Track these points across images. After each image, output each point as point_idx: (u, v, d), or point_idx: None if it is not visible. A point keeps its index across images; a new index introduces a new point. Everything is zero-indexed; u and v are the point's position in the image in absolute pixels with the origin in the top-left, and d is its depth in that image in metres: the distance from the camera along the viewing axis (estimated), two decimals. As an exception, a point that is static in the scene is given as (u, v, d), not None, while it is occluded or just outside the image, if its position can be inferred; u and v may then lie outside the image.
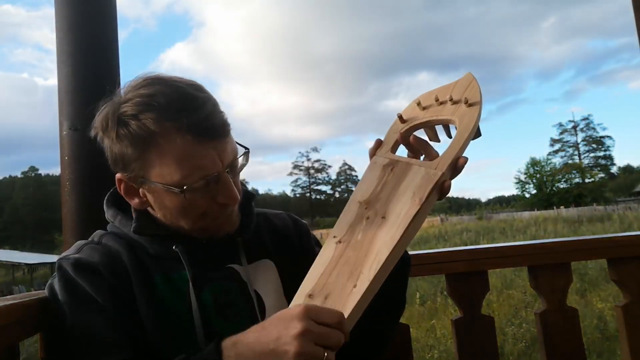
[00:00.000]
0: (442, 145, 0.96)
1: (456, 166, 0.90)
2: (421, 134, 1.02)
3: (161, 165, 0.84)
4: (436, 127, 1.02)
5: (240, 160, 0.93)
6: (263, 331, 0.71)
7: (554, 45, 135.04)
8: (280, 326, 0.69)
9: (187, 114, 0.83)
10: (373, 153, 0.99)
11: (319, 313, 0.70)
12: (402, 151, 1.01)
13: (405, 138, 0.97)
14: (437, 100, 0.99)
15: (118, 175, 0.91)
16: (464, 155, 0.91)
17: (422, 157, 0.97)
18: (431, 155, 0.94)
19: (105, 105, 0.89)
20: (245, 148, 0.93)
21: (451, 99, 0.97)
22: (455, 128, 0.95)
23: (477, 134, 0.96)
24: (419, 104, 1.02)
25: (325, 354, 0.68)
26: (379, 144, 1.00)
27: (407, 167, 0.92)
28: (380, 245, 0.84)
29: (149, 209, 0.95)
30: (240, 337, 0.72)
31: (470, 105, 0.94)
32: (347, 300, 0.79)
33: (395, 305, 1.05)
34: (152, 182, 0.87)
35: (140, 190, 0.91)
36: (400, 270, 0.93)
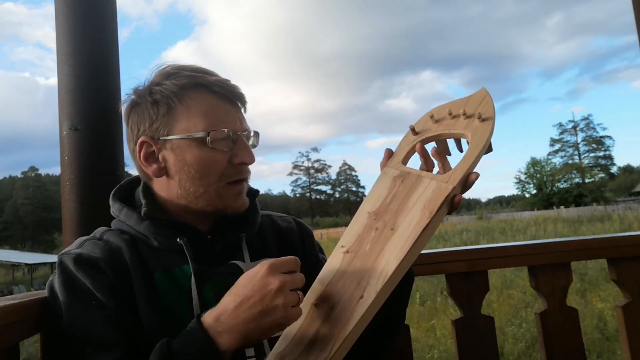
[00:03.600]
0: (452, 159, 0.96)
1: (467, 181, 0.90)
2: (432, 146, 1.01)
3: (188, 118, 0.92)
4: (447, 140, 1.01)
5: (252, 140, 1.00)
6: (241, 298, 0.74)
7: (558, 43, 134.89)
8: (258, 287, 0.74)
9: (213, 76, 0.95)
10: (384, 164, 1.00)
11: (282, 264, 0.76)
12: (413, 163, 1.00)
13: (424, 150, 0.97)
14: (450, 113, 0.99)
15: (141, 138, 0.94)
16: (475, 170, 0.91)
17: (433, 171, 0.97)
18: (446, 168, 0.93)
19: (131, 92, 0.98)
20: (257, 132, 1.02)
21: (464, 113, 0.96)
22: (467, 142, 0.95)
23: (488, 149, 0.96)
24: (432, 116, 1.01)
25: (300, 295, 0.77)
26: (389, 154, 1.00)
27: (417, 180, 0.92)
28: (389, 257, 0.83)
29: (157, 190, 0.97)
30: (219, 310, 0.75)
31: (484, 120, 0.94)
32: (354, 311, 0.79)
33: (394, 320, 1.05)
34: (176, 137, 0.92)
35: (160, 154, 0.94)
36: (403, 285, 0.94)
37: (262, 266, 0.76)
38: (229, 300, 0.75)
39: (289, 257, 0.79)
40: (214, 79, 0.94)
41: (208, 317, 0.75)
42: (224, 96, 0.94)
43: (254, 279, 0.75)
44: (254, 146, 1.01)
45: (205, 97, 0.93)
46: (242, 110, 0.99)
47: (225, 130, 0.92)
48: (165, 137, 0.93)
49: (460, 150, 0.99)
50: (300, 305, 0.77)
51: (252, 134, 1.00)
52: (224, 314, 0.74)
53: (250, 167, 1.00)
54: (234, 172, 0.94)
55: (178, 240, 0.92)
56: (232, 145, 0.93)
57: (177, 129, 0.92)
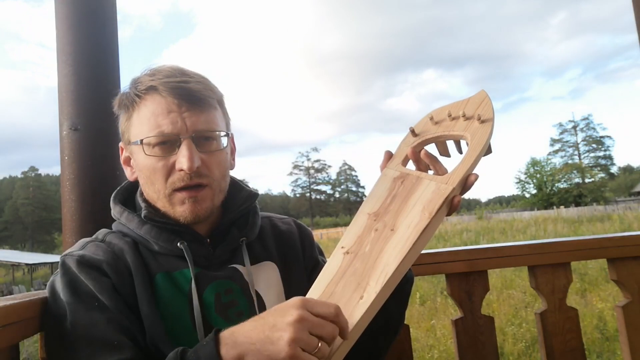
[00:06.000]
0: (452, 161, 0.96)
1: (466, 182, 0.90)
2: (432, 148, 1.01)
3: (138, 124, 0.93)
4: (447, 142, 1.01)
5: (224, 141, 0.96)
6: (260, 320, 0.71)
7: (561, 42, 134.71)
8: (277, 315, 0.70)
9: (165, 77, 0.92)
10: (384, 166, 0.99)
11: (315, 305, 0.71)
12: (412, 165, 1.00)
13: (416, 154, 0.97)
14: (449, 115, 0.99)
15: (120, 143, 1.01)
16: (474, 172, 0.91)
17: (430, 172, 0.97)
18: (440, 171, 0.93)
19: None
20: (227, 132, 0.97)
21: (464, 115, 0.97)
22: (467, 144, 0.95)
23: (488, 150, 0.96)
24: (431, 118, 1.02)
25: (319, 345, 0.69)
26: (389, 156, 1.00)
27: (417, 181, 0.92)
28: (388, 258, 0.83)
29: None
30: (238, 326, 0.73)
31: (483, 122, 0.94)
32: (354, 312, 0.79)
33: (394, 322, 1.05)
34: (131, 144, 0.95)
35: (132, 159, 0.98)
36: (402, 287, 0.94)
37: (296, 297, 0.72)
38: (252, 319, 0.73)
39: (330, 303, 0.73)
40: (166, 80, 0.91)
41: (226, 331, 0.72)
42: (173, 98, 0.89)
43: (281, 307, 0.72)
44: (220, 149, 0.94)
45: (153, 101, 0.91)
46: (203, 111, 0.92)
47: (161, 136, 0.89)
48: (127, 143, 0.97)
49: (460, 151, 0.99)
50: None
51: (222, 135, 0.95)
52: (241, 329, 0.71)
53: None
54: (176, 179, 0.90)
55: (178, 244, 0.92)
56: (171, 150, 0.90)
57: (132, 135, 0.94)
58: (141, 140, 0.90)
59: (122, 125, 0.98)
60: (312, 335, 0.69)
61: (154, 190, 0.93)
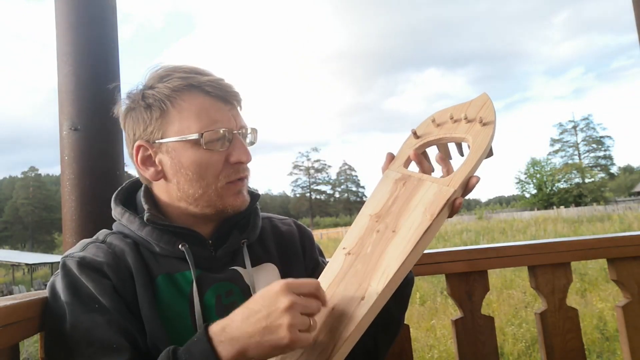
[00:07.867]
0: (453, 163, 0.96)
1: (468, 185, 0.90)
2: (433, 150, 1.02)
3: (181, 121, 0.91)
4: (449, 144, 1.01)
5: (249, 137, 0.99)
6: (249, 311, 0.73)
7: (564, 41, 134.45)
8: (267, 303, 0.72)
9: (205, 76, 0.94)
10: (385, 168, 1.00)
11: (299, 286, 0.74)
12: (414, 166, 1.00)
13: (418, 156, 0.97)
14: (451, 118, 0.99)
15: (137, 142, 0.94)
16: (475, 174, 0.91)
17: (432, 174, 0.97)
18: (450, 171, 0.94)
19: (126, 95, 0.97)
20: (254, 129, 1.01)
21: (466, 118, 0.97)
22: (469, 147, 0.95)
23: (489, 153, 0.96)
24: (433, 120, 1.02)
25: (311, 322, 0.74)
26: (390, 158, 1.01)
27: (419, 183, 0.92)
28: (390, 259, 0.83)
29: (157, 193, 0.98)
30: (228, 320, 0.74)
31: (485, 124, 0.95)
32: (355, 313, 0.79)
33: (393, 324, 1.05)
34: (170, 140, 0.91)
35: (157, 158, 0.94)
36: (403, 288, 0.93)
37: (278, 283, 0.74)
38: (239, 311, 0.74)
39: (309, 279, 0.77)
40: (206, 79, 0.93)
41: (215, 326, 0.74)
42: (217, 95, 0.93)
43: (267, 295, 0.73)
44: (252, 143, 1.00)
45: (197, 98, 0.92)
46: (238, 108, 0.97)
47: (221, 130, 0.91)
48: (160, 141, 0.92)
49: (461, 154, 0.99)
50: (312, 333, 0.75)
51: (249, 131, 0.99)
52: (231, 324, 0.73)
53: (250, 166, 0.99)
54: (232, 172, 0.94)
55: (180, 246, 0.92)
56: (227, 145, 0.93)
57: (171, 131, 0.92)
58: (201, 134, 0.90)
59: (149, 123, 0.92)
60: (303, 314, 0.73)
61: (200, 186, 0.92)
